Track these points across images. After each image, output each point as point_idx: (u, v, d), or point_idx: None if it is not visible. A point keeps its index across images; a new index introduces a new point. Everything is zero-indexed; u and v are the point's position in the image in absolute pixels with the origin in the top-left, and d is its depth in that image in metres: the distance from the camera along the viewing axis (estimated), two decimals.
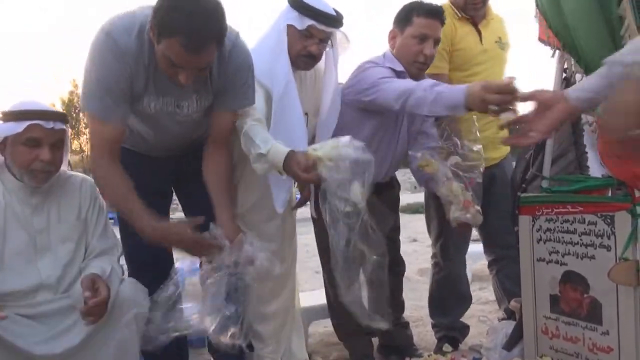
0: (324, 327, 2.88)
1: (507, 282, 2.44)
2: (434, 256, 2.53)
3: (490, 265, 2.60)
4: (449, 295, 2.47)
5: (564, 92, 1.48)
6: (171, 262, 1.95)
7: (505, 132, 2.13)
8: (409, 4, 2.11)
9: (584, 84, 1.47)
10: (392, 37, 2.14)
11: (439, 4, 2.17)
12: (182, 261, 2.26)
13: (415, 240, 6.22)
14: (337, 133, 2.00)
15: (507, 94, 1.57)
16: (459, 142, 2.10)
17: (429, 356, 1.87)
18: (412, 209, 8.53)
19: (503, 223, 2.15)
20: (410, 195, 9.02)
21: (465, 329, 2.55)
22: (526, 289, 1.89)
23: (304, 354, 2.24)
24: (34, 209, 1.71)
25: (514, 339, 1.97)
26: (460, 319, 2.54)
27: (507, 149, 2.46)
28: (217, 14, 1.47)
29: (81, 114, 31.12)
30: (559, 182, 1.85)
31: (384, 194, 2.24)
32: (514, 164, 2.40)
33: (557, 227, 1.77)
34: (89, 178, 1.88)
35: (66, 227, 1.75)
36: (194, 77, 1.55)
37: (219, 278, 1.71)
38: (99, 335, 1.65)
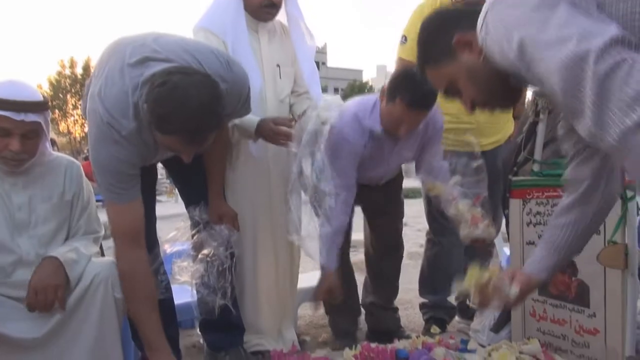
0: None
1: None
2: (428, 233, 2.55)
3: None
4: (439, 271, 2.47)
5: (526, 272, 1.31)
6: (156, 242, 1.95)
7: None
8: (399, 77, 1.95)
9: (538, 263, 1.32)
10: (382, 94, 1.98)
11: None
12: (169, 243, 2.25)
13: (405, 225, 6.26)
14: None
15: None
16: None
17: (417, 337, 1.88)
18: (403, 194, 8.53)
19: None
20: None
21: (452, 310, 2.56)
22: None
23: (293, 335, 2.24)
24: (12, 186, 1.68)
25: (502, 322, 1.99)
26: (448, 299, 2.53)
27: (500, 136, 2.42)
28: (213, 104, 1.40)
29: (68, 96, 30.87)
30: (550, 165, 1.85)
31: (386, 192, 2.27)
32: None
33: (547, 210, 1.78)
34: (77, 162, 1.86)
35: (48, 207, 1.73)
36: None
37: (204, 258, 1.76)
38: (75, 319, 1.63)
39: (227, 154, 1.94)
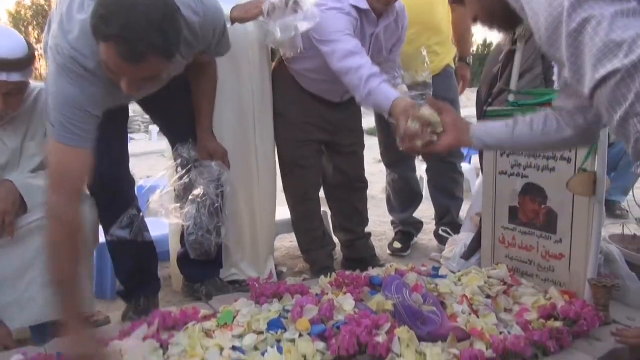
0: (290, 241, 2.94)
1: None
2: (385, 164, 2.82)
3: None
4: (401, 193, 2.77)
5: (471, 126, 1.41)
6: (132, 181, 1.92)
7: None
8: None
9: (490, 129, 1.41)
10: None
11: None
12: (145, 179, 2.20)
13: (380, 161, 6.32)
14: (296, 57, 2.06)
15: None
16: (404, 73, 2.19)
17: (391, 266, 1.93)
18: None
19: None
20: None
21: (419, 224, 2.88)
22: (487, 201, 1.94)
23: (270, 265, 2.28)
24: (3, 131, 1.67)
25: (473, 249, 2.05)
26: (414, 215, 2.86)
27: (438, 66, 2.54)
28: (165, 25, 1.24)
29: (30, 28, 29.21)
30: (525, 95, 1.84)
31: (347, 110, 2.27)
32: None
33: None
34: None
35: (35, 145, 1.71)
36: (139, 87, 1.35)
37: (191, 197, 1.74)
38: (33, 248, 1.61)
39: (215, 90, 1.87)
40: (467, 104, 5.00)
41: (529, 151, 1.69)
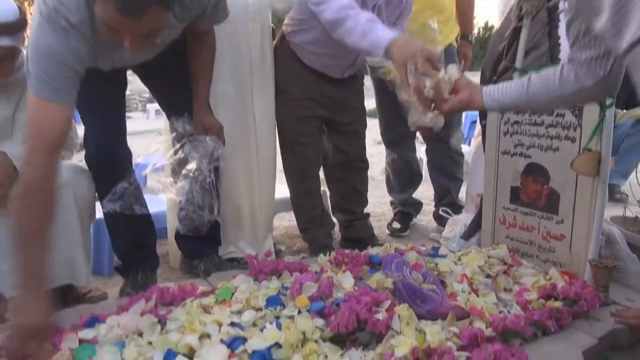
0: (288, 220, 2.93)
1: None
2: (385, 144, 2.80)
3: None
4: (401, 173, 2.76)
5: (482, 88, 1.37)
6: (128, 153, 1.89)
7: None
8: None
9: (503, 88, 1.37)
10: None
11: None
12: (142, 157, 2.19)
13: (380, 143, 6.30)
14: (293, 26, 2.02)
15: (431, 68, 1.42)
16: None
17: (390, 245, 1.92)
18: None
19: None
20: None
21: (418, 205, 2.87)
22: (489, 181, 1.92)
23: (269, 244, 2.27)
24: None
25: (473, 229, 2.04)
26: (413, 196, 2.86)
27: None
28: None
29: None
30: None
31: (348, 87, 2.25)
32: None
33: (525, 119, 1.77)
34: None
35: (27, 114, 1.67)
36: (141, 43, 1.31)
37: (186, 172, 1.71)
38: None
39: (213, 61, 1.82)
40: None
41: (545, 109, 1.63)
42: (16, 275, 1.20)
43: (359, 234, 2.44)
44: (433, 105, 1.41)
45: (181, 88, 1.80)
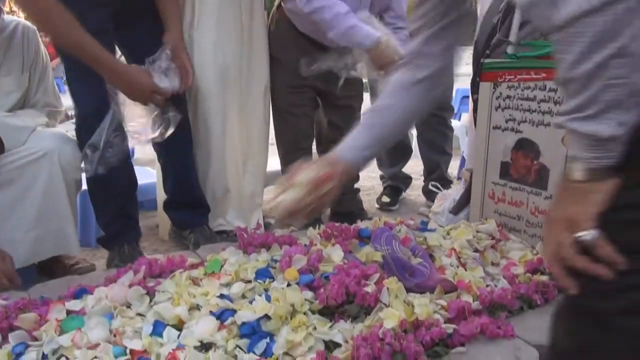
0: None
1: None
2: None
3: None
4: (391, 148, 2.68)
5: (336, 155, 1.24)
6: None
7: None
8: None
9: (350, 140, 1.24)
10: None
11: None
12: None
13: None
14: None
15: None
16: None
17: (379, 219, 1.92)
18: None
19: None
20: None
21: (407, 179, 2.89)
22: (478, 156, 1.92)
23: (258, 216, 2.26)
24: None
25: (462, 204, 2.04)
26: (403, 170, 2.88)
27: None
28: None
29: None
30: (525, 47, 1.79)
31: None
32: None
33: (518, 94, 1.75)
34: (31, 26, 1.71)
35: (10, 80, 1.65)
36: None
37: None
38: (15, 190, 1.60)
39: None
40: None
41: (400, 134, 1.41)
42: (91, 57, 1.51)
43: (348, 208, 2.44)
44: None
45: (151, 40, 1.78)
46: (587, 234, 0.68)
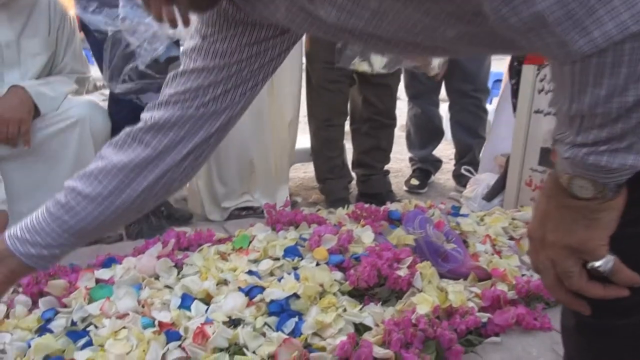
0: (304, 172, 2.89)
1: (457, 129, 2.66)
2: (409, 97, 2.73)
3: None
4: (421, 129, 2.69)
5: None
6: None
7: None
8: None
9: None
10: None
11: None
12: None
13: (398, 98, 6.21)
14: None
15: None
16: None
17: (409, 202, 1.87)
18: None
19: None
20: None
21: (437, 162, 2.79)
22: (517, 142, 1.85)
23: (285, 194, 2.23)
24: None
25: (496, 190, 1.98)
26: (433, 153, 2.77)
27: None
28: None
29: None
30: None
31: None
32: None
33: None
34: None
35: (37, 42, 1.62)
36: None
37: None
38: (47, 157, 1.60)
39: None
40: None
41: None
42: None
43: (376, 189, 2.39)
44: None
45: None
46: (606, 263, 0.56)
